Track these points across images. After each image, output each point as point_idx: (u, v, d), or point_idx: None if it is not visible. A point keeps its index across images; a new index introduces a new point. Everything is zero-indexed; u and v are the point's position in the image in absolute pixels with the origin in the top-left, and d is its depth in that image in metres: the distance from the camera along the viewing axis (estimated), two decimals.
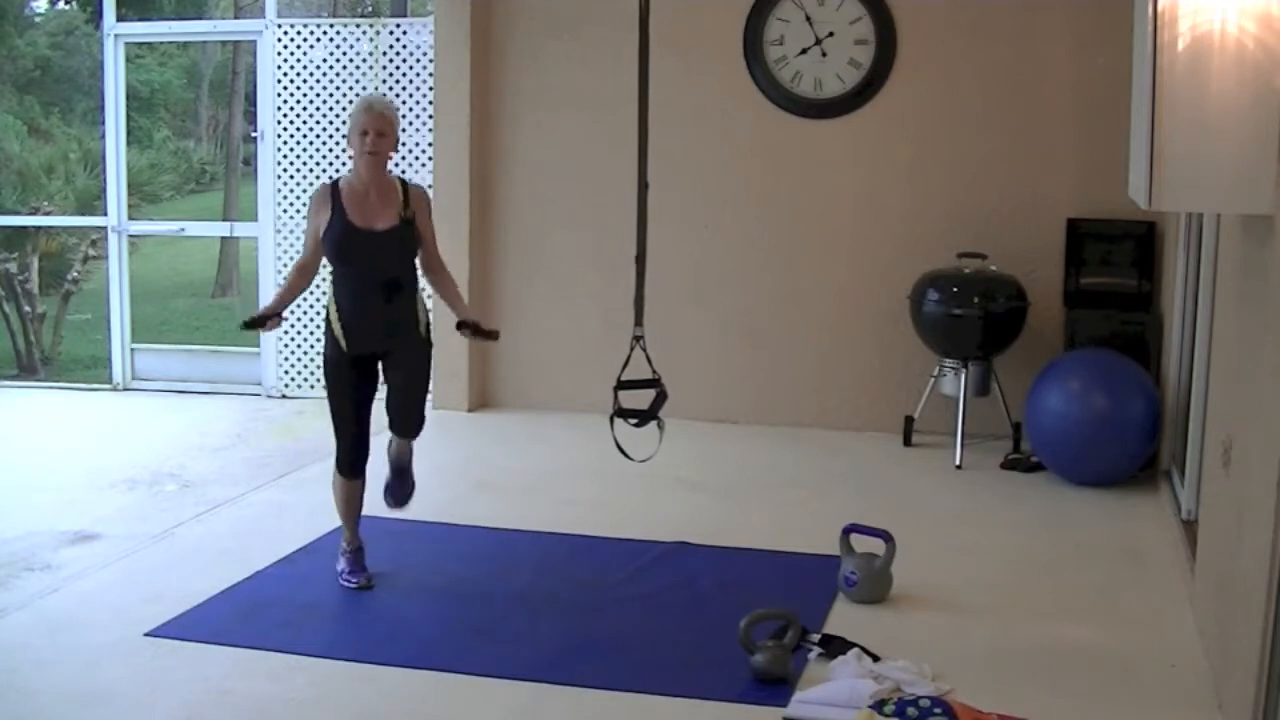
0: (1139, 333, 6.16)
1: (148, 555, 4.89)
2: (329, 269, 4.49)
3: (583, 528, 5.20)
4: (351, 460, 4.52)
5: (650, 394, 4.44)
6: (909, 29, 6.67)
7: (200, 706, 3.61)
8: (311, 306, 7.53)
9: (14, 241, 10.44)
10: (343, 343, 4.40)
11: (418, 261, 4.51)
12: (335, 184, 4.42)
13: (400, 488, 4.74)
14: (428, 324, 4.53)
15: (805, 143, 6.85)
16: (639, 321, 4.47)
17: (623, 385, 4.42)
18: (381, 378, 4.55)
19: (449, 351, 6.45)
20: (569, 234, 7.14)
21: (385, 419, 4.59)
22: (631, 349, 4.43)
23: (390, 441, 4.68)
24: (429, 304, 4.63)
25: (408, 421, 4.58)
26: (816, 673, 3.81)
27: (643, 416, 4.43)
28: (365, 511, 5.23)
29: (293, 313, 7.53)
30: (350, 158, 4.50)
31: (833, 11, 6.73)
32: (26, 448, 6.66)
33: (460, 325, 4.44)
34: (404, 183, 4.47)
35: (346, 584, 4.55)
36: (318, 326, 7.59)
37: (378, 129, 4.33)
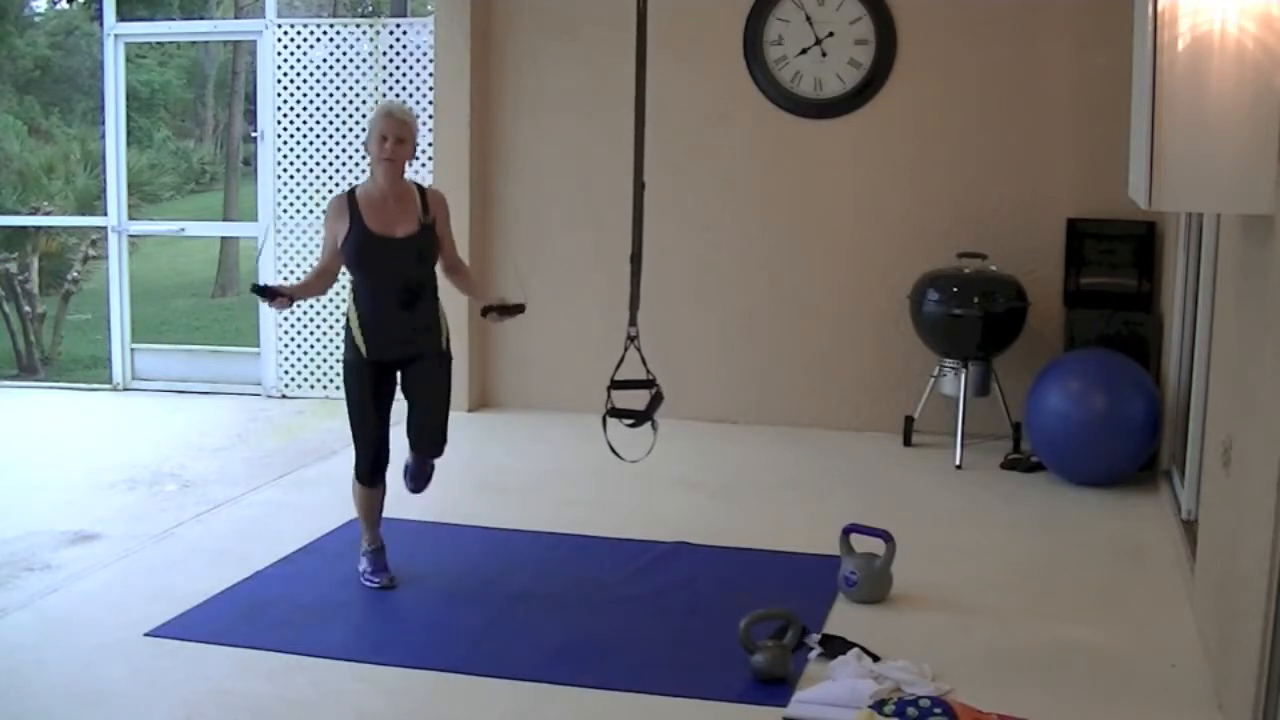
0: (1139, 333, 6.17)
1: (148, 555, 4.89)
2: (349, 277, 4.47)
3: (583, 528, 5.20)
4: (371, 468, 4.52)
5: (645, 394, 4.43)
6: (909, 29, 6.67)
7: (200, 706, 3.60)
8: (311, 306, 7.53)
9: (14, 241, 10.44)
10: (362, 349, 4.38)
11: (438, 267, 4.50)
12: (351, 192, 4.40)
13: (419, 471, 4.67)
14: (448, 335, 4.53)
15: (805, 143, 6.85)
16: (633, 321, 4.47)
17: (617, 385, 4.41)
18: (400, 394, 4.53)
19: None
20: (569, 234, 7.14)
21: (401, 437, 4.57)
22: (625, 348, 4.43)
23: (407, 464, 4.67)
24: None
25: (430, 442, 4.55)
26: (816, 673, 3.81)
27: (638, 417, 4.42)
28: None
29: (293, 313, 7.55)
30: (366, 165, 4.49)
31: (833, 11, 6.73)
32: (26, 448, 6.66)
33: (485, 311, 4.44)
34: (420, 188, 4.46)
35: (369, 583, 4.55)
36: (318, 327, 7.60)
37: (397, 135, 4.31)
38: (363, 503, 4.59)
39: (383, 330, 4.38)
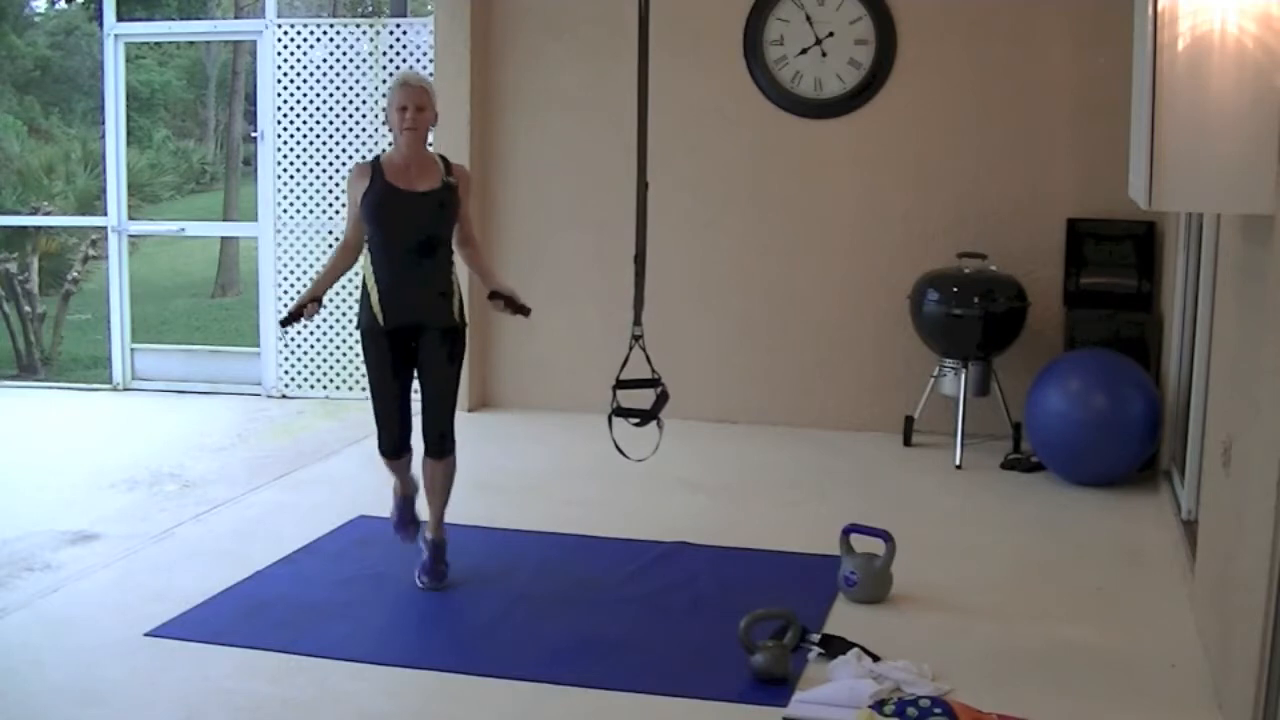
0: (1139, 333, 6.16)
1: (148, 555, 4.89)
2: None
3: (583, 528, 5.20)
4: (393, 441, 4.56)
5: (649, 393, 4.44)
6: (909, 29, 6.67)
7: (200, 706, 3.60)
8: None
9: (14, 241, 10.44)
10: (379, 316, 4.41)
11: (454, 239, 4.52)
12: (376, 158, 4.48)
13: (435, 565, 4.59)
14: (462, 304, 4.54)
15: (805, 143, 6.85)
16: (638, 321, 4.48)
17: (622, 384, 4.41)
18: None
19: None
20: (569, 234, 7.14)
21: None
22: (630, 348, 4.44)
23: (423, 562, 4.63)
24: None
25: (430, 443, 4.53)
26: (816, 673, 3.81)
27: (644, 416, 4.42)
28: (366, 511, 5.26)
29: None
30: (388, 138, 4.52)
31: (833, 11, 6.73)
32: (26, 448, 6.66)
33: (493, 295, 4.47)
34: (445, 159, 4.51)
35: (398, 536, 4.73)
36: (317, 327, 7.60)
37: (416, 103, 4.36)
38: (391, 470, 4.69)
39: (399, 291, 4.40)
